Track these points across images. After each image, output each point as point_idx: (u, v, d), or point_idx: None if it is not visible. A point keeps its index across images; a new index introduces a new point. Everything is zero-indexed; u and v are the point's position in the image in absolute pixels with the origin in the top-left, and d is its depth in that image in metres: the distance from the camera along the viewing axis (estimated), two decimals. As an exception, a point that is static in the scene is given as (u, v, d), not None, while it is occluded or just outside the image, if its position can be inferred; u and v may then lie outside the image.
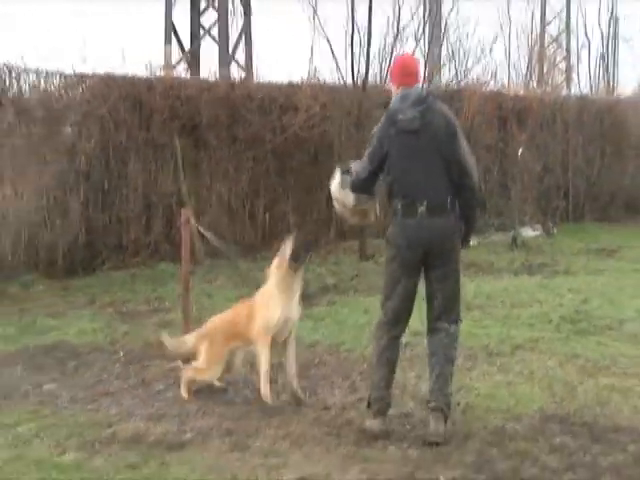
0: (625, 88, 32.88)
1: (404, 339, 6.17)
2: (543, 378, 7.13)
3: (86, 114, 11.74)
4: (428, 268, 5.79)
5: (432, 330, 5.90)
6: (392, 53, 13.93)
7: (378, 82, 14.04)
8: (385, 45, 13.99)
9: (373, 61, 13.57)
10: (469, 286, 11.72)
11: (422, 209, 5.63)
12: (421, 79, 6.14)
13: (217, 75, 13.88)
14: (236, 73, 15.60)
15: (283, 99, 13.62)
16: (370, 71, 13.48)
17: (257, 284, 11.58)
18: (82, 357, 7.87)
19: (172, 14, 16.42)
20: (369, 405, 5.88)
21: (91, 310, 9.94)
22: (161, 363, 7.62)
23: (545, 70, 34.92)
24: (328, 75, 14.39)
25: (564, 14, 37.47)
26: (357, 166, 5.96)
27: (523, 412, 6.22)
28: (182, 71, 15.03)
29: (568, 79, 36.28)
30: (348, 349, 8.18)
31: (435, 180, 5.67)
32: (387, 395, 5.85)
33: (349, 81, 13.70)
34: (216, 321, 6.91)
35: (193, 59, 15.37)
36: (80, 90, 11.87)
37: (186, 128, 12.73)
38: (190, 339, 6.91)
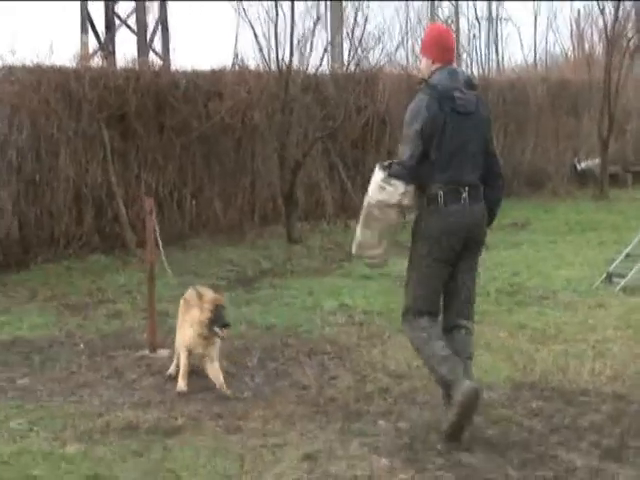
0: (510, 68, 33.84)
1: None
2: (500, 349, 7.51)
3: (16, 107, 11.56)
4: (459, 259, 5.49)
5: (453, 327, 5.57)
6: (312, 39, 14.12)
7: (302, 67, 14.22)
8: (305, 31, 14.12)
9: (297, 47, 13.68)
10: (401, 263, 12.05)
11: (465, 195, 5.38)
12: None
13: (138, 64, 13.77)
14: (154, 61, 15.45)
15: (208, 86, 13.66)
16: (294, 56, 13.61)
17: (189, 269, 11.76)
18: (44, 351, 7.82)
19: (87, 3, 16.21)
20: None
21: (35, 304, 9.83)
22: (126, 353, 7.69)
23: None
24: (252, 61, 14.48)
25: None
26: (401, 151, 5.45)
27: (493, 381, 6.56)
28: (99, 61, 14.77)
29: (458, 59, 37.14)
30: (306, 330, 8.38)
31: (476, 167, 5.46)
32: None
33: (273, 66, 13.82)
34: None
35: (109, 48, 15.21)
36: (9, 83, 11.66)
37: (114, 118, 12.64)
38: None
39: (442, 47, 5.46)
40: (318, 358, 7.42)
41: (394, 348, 7.59)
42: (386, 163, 5.52)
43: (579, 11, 31.68)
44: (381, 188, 5.42)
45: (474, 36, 37.36)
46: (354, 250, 5.76)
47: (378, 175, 5.47)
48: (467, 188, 5.40)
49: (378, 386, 6.55)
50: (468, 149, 5.41)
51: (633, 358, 7.12)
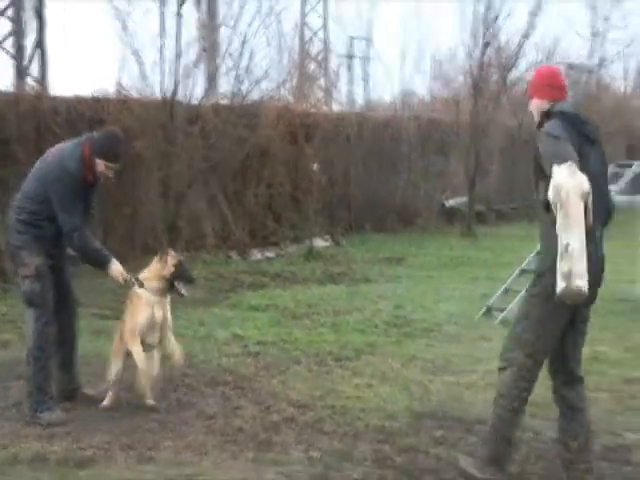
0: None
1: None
2: (396, 379, 7.74)
3: None
4: (583, 310, 5.18)
5: (573, 380, 5.32)
6: (197, 69, 14.24)
7: (186, 98, 14.29)
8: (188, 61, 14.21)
9: (182, 76, 13.74)
10: (286, 295, 12.30)
11: (598, 235, 4.98)
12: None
13: (18, 88, 13.52)
14: (33, 86, 15.17)
15: (90, 113, 13.52)
16: (179, 87, 13.69)
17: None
18: None
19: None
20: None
21: None
22: (21, 384, 7.46)
23: (306, 87, 36.15)
24: (137, 89, 14.42)
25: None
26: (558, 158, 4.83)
27: (395, 411, 6.77)
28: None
29: (328, 96, 37.74)
30: (203, 360, 8.37)
31: (604, 202, 5.08)
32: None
33: (158, 95, 13.84)
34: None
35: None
36: None
37: (-8, 142, 12.40)
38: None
39: (553, 85, 5.31)
40: (219, 388, 7.44)
41: (294, 379, 7.72)
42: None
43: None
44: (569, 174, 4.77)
45: (334, 72, 38.03)
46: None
47: (563, 166, 4.78)
48: (600, 228, 5.03)
49: (283, 416, 6.64)
50: (602, 185, 5.09)
51: (521, 389, 7.45)
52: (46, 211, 6.54)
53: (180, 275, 6.74)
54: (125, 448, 5.89)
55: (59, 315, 6.91)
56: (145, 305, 6.70)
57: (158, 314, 6.72)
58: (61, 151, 6.73)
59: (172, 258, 6.73)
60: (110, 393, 6.88)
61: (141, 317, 6.69)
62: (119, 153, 6.67)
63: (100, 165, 6.57)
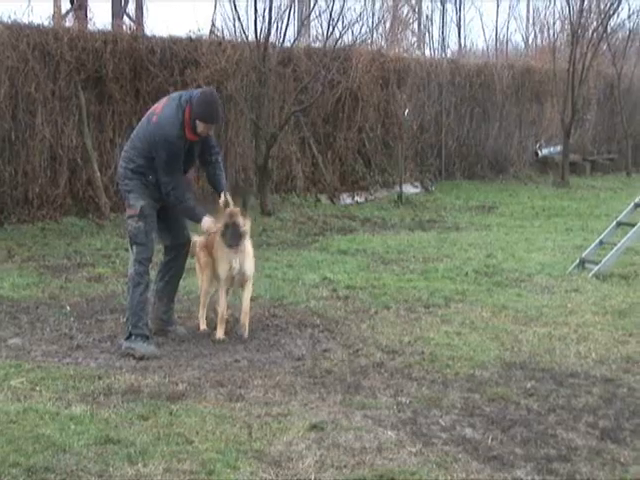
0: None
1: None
2: (486, 328, 7.64)
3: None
4: None
5: None
6: (290, 11, 14.12)
7: (278, 40, 14.23)
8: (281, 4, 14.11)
9: (275, 19, 13.68)
10: (376, 241, 12.26)
11: None
12: None
13: (115, 27, 13.63)
14: (130, 26, 15.27)
15: (185, 54, 13.57)
16: (272, 29, 13.62)
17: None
18: (31, 312, 7.82)
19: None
20: None
21: (14, 265, 9.79)
22: (115, 317, 7.67)
23: (398, 31, 35.64)
24: (230, 31, 14.41)
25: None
26: None
27: (485, 360, 6.68)
28: (72, 21, 14.57)
29: (420, 41, 37.18)
30: (292, 302, 8.44)
31: None
32: None
33: (251, 37, 13.81)
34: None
35: (80, 10, 14.99)
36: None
37: (90, 80, 12.55)
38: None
39: None
40: (308, 330, 7.48)
41: (382, 324, 7.70)
42: None
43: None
44: None
45: (427, 17, 37.38)
46: None
47: None
48: None
49: (372, 360, 6.64)
50: None
51: (615, 343, 7.28)
52: (151, 165, 6.82)
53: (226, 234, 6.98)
54: (215, 385, 5.98)
55: (171, 250, 7.24)
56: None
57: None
58: (166, 115, 6.84)
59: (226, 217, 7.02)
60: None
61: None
62: (217, 114, 6.93)
63: (200, 126, 6.76)
